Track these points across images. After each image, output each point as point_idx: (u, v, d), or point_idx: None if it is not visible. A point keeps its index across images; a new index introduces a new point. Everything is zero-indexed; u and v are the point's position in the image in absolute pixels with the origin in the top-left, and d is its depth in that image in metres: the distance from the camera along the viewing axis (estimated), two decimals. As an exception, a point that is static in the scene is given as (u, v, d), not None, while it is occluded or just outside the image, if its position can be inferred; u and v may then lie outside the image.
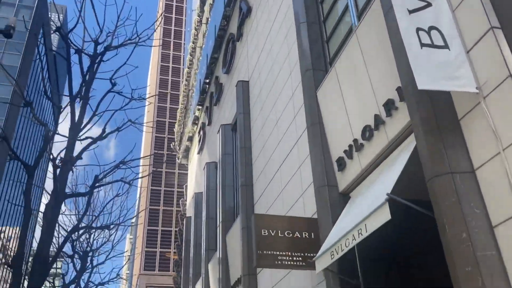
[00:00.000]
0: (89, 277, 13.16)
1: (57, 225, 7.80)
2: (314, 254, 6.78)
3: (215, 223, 15.17)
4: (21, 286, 6.11)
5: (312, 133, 7.31)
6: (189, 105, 23.56)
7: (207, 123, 18.91)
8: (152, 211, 50.39)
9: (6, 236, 45.15)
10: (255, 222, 7.06)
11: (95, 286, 13.28)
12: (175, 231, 47.21)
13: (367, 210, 4.99)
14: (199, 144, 20.14)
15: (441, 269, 6.38)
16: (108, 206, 14.34)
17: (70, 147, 7.02)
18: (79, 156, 7.36)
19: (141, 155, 59.20)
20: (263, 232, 6.93)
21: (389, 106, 5.53)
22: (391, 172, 5.19)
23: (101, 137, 7.81)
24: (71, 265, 13.30)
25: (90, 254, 13.27)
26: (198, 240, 17.22)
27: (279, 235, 6.95)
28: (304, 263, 6.79)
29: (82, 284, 13.18)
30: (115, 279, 13.64)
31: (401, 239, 6.45)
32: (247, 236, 10.48)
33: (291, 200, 8.41)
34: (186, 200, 23.32)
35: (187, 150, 24.38)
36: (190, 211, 20.60)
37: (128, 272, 54.16)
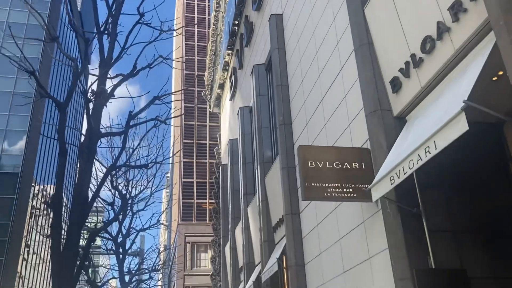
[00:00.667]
0: (130, 223, 13.26)
1: (94, 166, 7.67)
2: (366, 185, 6.30)
3: (252, 167, 14.90)
4: (61, 226, 5.95)
5: (360, 55, 6.63)
6: (218, 51, 22.85)
7: (238, 67, 18.26)
8: (186, 163, 51.03)
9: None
10: (301, 154, 6.60)
11: (136, 232, 13.41)
12: (210, 182, 47.85)
13: (433, 128, 4.40)
14: (231, 90, 19.61)
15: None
16: (143, 146, 14.22)
17: (101, 79, 6.62)
18: (111, 93, 7.01)
19: (173, 94, 59.39)
20: (310, 164, 6.47)
21: (456, 8, 4.78)
22: (461, 83, 4.53)
23: (132, 74, 7.40)
24: (112, 212, 13.39)
25: (130, 201, 13.32)
26: (235, 186, 17.09)
27: (327, 166, 6.47)
28: (355, 195, 6.34)
29: (124, 231, 13.32)
30: (155, 225, 13.71)
31: (465, 165, 5.85)
32: (288, 175, 10.11)
33: (336, 133, 7.86)
34: (220, 149, 23.12)
35: (219, 98, 23.92)
36: (225, 159, 20.42)
37: (167, 219, 55.72)
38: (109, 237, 13.11)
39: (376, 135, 6.12)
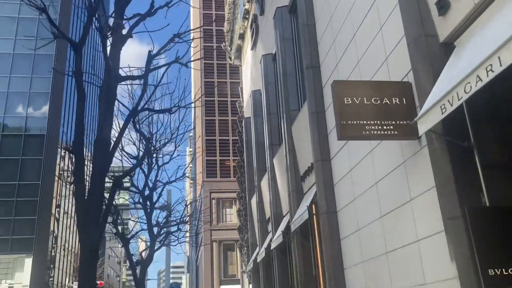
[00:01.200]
0: (156, 176, 13.13)
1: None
2: (408, 121, 5.78)
3: (277, 117, 14.43)
4: (84, 171, 5.69)
5: (400, -25, 5.92)
6: (237, -1, 21.92)
7: (259, 14, 17.44)
8: (208, 121, 50.92)
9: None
10: (336, 90, 6.07)
11: (163, 185, 13.31)
12: (233, 139, 47.77)
13: (492, 46, 3.80)
14: (252, 39, 18.87)
15: None
16: (166, 94, 13.92)
17: (117, 13, 6.13)
18: (129, 33, 6.54)
19: (191, 36, 58.90)
20: (345, 100, 5.94)
21: None
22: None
23: (150, 13, 6.89)
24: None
25: (154, 154, 13.13)
26: (260, 138, 16.73)
27: (365, 102, 5.94)
28: (396, 132, 5.82)
29: (150, 185, 13.20)
30: (181, 178, 13.55)
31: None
32: (317, 120, 9.62)
33: (371, 70, 7.26)
34: (242, 103, 22.64)
35: (239, 50, 23.20)
36: (248, 112, 19.97)
37: (192, 171, 56.39)
38: (136, 191, 13.03)
39: (420, 65, 5.53)
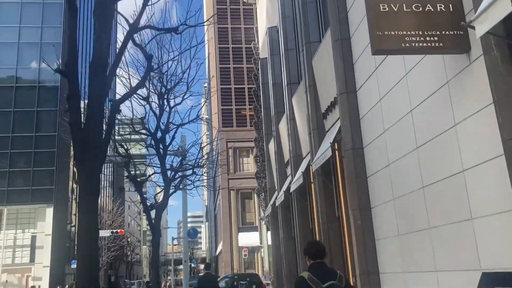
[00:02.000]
0: (168, 118, 12.46)
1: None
2: (455, 32, 4.87)
3: (296, 53, 13.47)
4: (79, 95, 4.99)
5: None
6: None
7: None
8: (222, 69, 49.76)
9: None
10: (369, -5, 5.12)
11: (176, 127, 12.66)
12: (248, 87, 46.73)
13: None
14: (267, -27, 17.53)
15: None
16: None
17: None
18: None
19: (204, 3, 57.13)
20: (381, 7, 5.02)
21: None
22: None
23: None
24: (147, 107, 12.57)
25: (166, 95, 12.40)
26: (277, 79, 15.83)
27: (404, 9, 5.02)
28: (441, 44, 4.92)
29: (162, 127, 12.57)
30: (195, 120, 12.86)
31: None
32: (342, 48, 8.69)
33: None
34: (258, 44, 21.53)
35: (254, -13, 21.80)
36: (264, 53, 18.93)
37: (207, 112, 56.01)
38: (148, 133, 12.44)
39: (476, -43, 4.54)
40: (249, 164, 46.84)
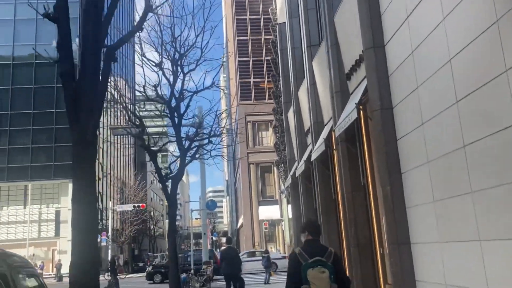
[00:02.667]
0: (182, 85, 11.85)
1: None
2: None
3: (316, 13, 12.60)
4: (70, 42, 4.39)
5: None
6: None
7: None
8: (240, 41, 48.74)
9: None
10: None
11: (190, 95, 12.06)
12: (267, 60, 45.69)
13: None
14: None
15: None
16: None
17: None
18: None
19: None
20: None
21: None
22: None
23: None
24: (161, 75, 12.00)
25: (179, 61, 11.78)
26: (296, 44, 15.01)
27: None
28: (493, -29, 4.12)
29: (177, 95, 11.99)
30: (210, 87, 12.22)
31: None
32: (369, 1, 7.86)
33: None
34: (275, 9, 20.57)
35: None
36: (282, 18, 18.02)
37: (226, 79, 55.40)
38: (162, 101, 11.89)
39: None
40: (268, 138, 46.25)
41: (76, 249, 4.09)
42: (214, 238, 67.33)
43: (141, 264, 47.18)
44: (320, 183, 11.79)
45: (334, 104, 10.02)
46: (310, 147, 13.12)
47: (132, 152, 62.85)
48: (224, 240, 67.55)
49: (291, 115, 16.16)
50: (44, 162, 44.56)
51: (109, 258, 46.52)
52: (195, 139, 11.93)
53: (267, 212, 44.20)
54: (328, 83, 10.50)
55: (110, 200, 51.35)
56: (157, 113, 12.42)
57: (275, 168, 44.41)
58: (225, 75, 72.23)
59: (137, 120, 11.13)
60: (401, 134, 7.10)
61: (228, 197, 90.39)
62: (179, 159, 11.60)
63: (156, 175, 10.65)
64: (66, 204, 43.95)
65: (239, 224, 52.42)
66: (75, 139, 4.13)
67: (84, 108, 4.20)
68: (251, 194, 44.94)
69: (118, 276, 20.67)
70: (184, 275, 12.68)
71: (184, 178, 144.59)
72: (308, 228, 4.67)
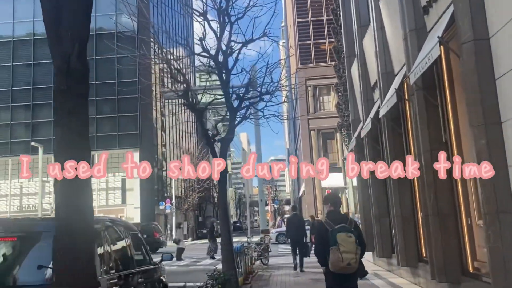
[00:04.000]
0: (230, 35, 10.56)
1: None
2: None
3: None
4: None
5: None
6: None
7: None
8: (299, 1, 46.36)
9: None
10: None
11: (239, 46, 10.76)
12: (327, 19, 43.09)
13: None
14: None
15: None
16: None
17: None
18: None
19: None
20: None
21: None
22: None
23: None
24: (206, 25, 10.76)
25: (226, 10, 10.45)
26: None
27: None
28: None
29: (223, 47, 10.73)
30: (261, 37, 10.83)
31: None
32: None
33: None
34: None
35: None
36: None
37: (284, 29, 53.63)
38: (207, 55, 10.72)
39: None
40: (330, 103, 44.13)
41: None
42: (275, 206, 67.08)
43: (205, 231, 47.79)
44: (390, 144, 10.18)
45: (407, 47, 8.32)
46: (377, 104, 11.47)
47: (194, 120, 63.30)
48: (287, 208, 66.90)
49: (355, 70, 14.44)
50: (109, 132, 45.75)
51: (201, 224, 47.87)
52: (246, 96, 10.70)
53: (330, 180, 42.58)
54: (399, 22, 8.76)
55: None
56: (201, 67, 11.32)
57: (337, 135, 42.48)
58: (284, 41, 69.97)
59: (180, 76, 10.08)
60: (502, 71, 5.41)
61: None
62: (222, 117, 10.45)
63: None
64: (131, 172, 45.06)
65: (301, 192, 51.37)
66: (58, 67, 3.04)
67: (66, 26, 3.09)
68: (312, 161, 43.46)
69: (211, 242, 20.18)
70: (238, 244, 11.75)
71: (245, 147, 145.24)
72: (330, 201, 5.58)
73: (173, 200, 44.18)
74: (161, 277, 6.92)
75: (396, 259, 10.28)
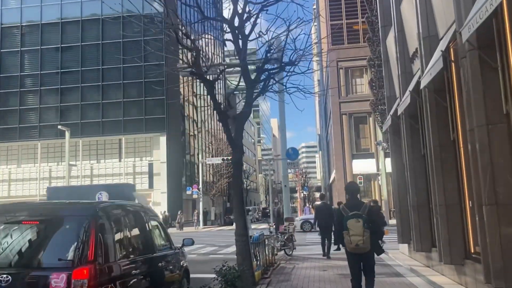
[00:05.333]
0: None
1: None
2: None
3: None
4: None
5: None
6: None
7: None
8: (330, -21, 44.22)
9: None
10: None
11: (258, 10, 9.43)
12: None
13: None
14: None
15: None
16: None
17: None
18: None
19: None
20: None
21: None
22: None
23: None
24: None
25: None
26: None
27: None
28: None
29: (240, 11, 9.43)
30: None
31: None
32: None
33: None
34: None
35: None
36: None
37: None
38: (221, 19, 9.45)
39: None
40: (362, 86, 42.09)
41: None
42: (304, 193, 65.63)
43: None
44: (432, 120, 8.65)
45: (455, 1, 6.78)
46: (417, 76, 9.92)
47: (224, 100, 62.39)
48: (317, 195, 65.25)
49: (391, 40, 12.84)
50: (136, 116, 45.34)
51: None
52: (264, 68, 9.40)
53: (362, 166, 40.87)
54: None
55: (201, 154, 51.57)
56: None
57: (370, 119, 40.52)
58: (315, 24, 67.74)
59: (190, 42, 8.86)
60: None
61: (321, 152, 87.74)
62: (235, 86, 9.19)
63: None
64: (158, 157, 44.67)
65: (331, 178, 49.73)
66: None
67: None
68: (343, 147, 41.74)
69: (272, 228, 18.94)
70: (257, 233, 10.57)
71: (276, 133, 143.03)
72: (347, 191, 6.61)
73: (200, 186, 43.48)
74: (182, 262, 6.93)
75: (438, 254, 8.84)
